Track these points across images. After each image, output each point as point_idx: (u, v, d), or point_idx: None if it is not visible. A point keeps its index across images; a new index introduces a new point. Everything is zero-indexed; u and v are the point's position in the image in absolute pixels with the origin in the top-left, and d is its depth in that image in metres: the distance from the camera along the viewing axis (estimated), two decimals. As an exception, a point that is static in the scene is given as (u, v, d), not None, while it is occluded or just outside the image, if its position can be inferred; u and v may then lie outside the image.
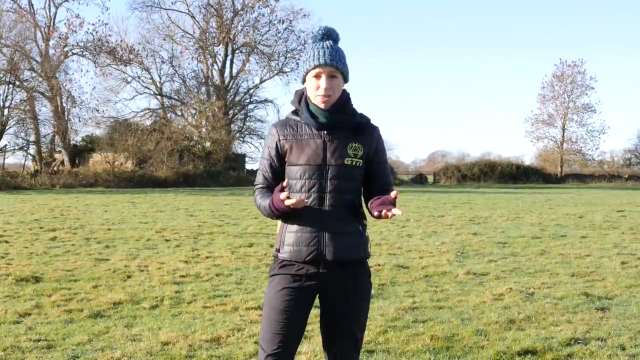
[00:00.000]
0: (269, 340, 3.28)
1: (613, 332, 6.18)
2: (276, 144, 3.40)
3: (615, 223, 17.55)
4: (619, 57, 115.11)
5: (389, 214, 3.17)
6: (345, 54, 3.41)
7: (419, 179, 61.17)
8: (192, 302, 7.37)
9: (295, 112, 3.45)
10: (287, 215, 3.30)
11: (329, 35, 3.38)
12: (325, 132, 3.33)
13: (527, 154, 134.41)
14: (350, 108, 3.41)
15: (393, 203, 3.23)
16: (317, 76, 3.31)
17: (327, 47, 3.32)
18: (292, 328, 3.29)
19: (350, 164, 3.31)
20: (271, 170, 3.42)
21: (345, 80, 3.40)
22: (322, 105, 3.32)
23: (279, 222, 3.44)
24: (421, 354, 5.46)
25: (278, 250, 3.39)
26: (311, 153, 3.31)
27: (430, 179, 64.11)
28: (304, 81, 3.41)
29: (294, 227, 3.32)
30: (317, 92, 3.31)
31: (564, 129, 68.04)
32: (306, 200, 3.24)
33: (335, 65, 3.30)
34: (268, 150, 3.43)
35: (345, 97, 3.39)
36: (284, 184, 3.30)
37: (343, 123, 3.35)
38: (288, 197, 3.18)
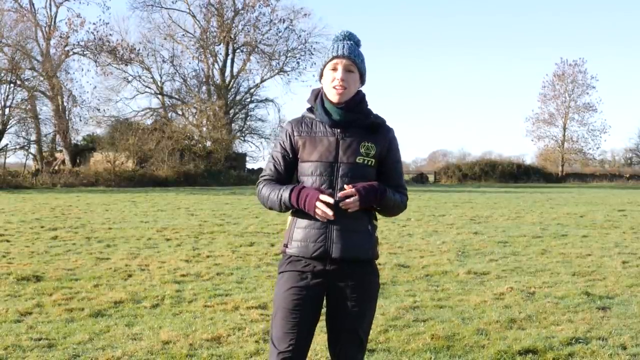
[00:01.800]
0: (281, 339, 3.28)
1: (614, 331, 6.18)
2: (290, 139, 3.42)
3: (616, 222, 17.54)
4: (619, 57, 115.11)
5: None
6: None
7: (420, 178, 61.13)
8: (193, 301, 7.37)
9: (310, 110, 3.47)
10: (297, 211, 3.32)
11: (350, 37, 3.45)
12: (339, 130, 3.35)
13: (528, 153, 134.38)
14: (365, 108, 3.43)
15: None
16: (334, 68, 3.35)
17: (347, 44, 3.39)
18: (302, 327, 3.29)
19: (362, 162, 3.32)
20: (284, 162, 3.43)
21: (362, 80, 3.44)
22: (336, 98, 3.33)
23: (289, 219, 3.44)
24: (422, 353, 5.47)
25: (286, 246, 3.39)
26: (324, 150, 3.32)
27: (431, 178, 64.08)
28: (321, 77, 3.44)
29: (303, 223, 3.33)
30: (332, 83, 3.34)
31: (564, 128, 68.01)
32: (332, 217, 3.21)
33: (353, 59, 3.34)
34: (282, 144, 3.44)
35: (360, 97, 3.42)
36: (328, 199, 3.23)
37: (357, 122, 3.37)
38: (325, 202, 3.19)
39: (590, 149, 68.90)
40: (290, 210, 3.42)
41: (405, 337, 5.92)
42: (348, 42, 3.40)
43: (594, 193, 38.18)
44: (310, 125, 3.41)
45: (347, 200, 3.19)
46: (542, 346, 5.63)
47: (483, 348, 5.64)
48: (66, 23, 49.49)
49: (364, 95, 3.45)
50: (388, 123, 3.48)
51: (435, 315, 6.74)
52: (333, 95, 3.34)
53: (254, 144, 59.25)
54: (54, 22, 50.19)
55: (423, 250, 11.71)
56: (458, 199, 29.78)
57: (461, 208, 23.08)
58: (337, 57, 3.34)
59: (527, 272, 9.43)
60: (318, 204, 3.19)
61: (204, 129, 53.28)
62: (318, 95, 3.44)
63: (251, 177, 47.40)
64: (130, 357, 5.31)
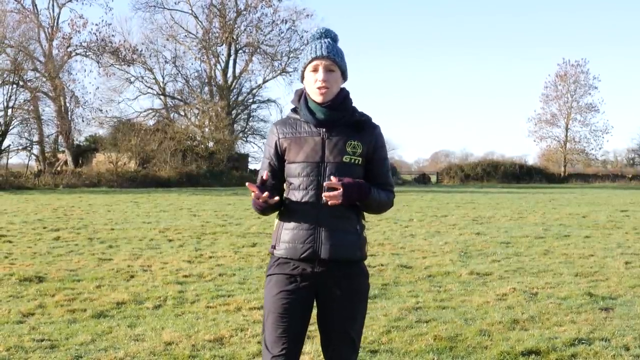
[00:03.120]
0: (274, 343, 3.27)
1: (617, 332, 6.17)
2: (275, 143, 3.40)
3: (619, 223, 17.51)
4: (622, 57, 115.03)
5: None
6: (348, 53, 3.42)
7: (422, 179, 61.09)
8: (195, 302, 7.37)
9: (295, 111, 3.45)
10: (267, 210, 3.33)
11: (327, 34, 3.42)
12: (324, 129, 3.32)
13: (530, 153, 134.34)
14: (350, 106, 3.40)
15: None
16: (315, 69, 3.33)
17: (325, 42, 3.36)
18: (294, 330, 3.28)
19: (348, 161, 3.29)
20: (270, 169, 3.41)
21: (344, 77, 3.41)
22: (319, 99, 3.31)
23: (276, 220, 3.44)
24: (424, 354, 5.46)
25: (274, 247, 3.38)
26: (309, 150, 3.30)
27: (433, 178, 64.04)
28: (302, 78, 3.42)
29: (291, 225, 3.32)
30: (314, 85, 3.31)
31: (567, 129, 67.92)
32: (269, 199, 3.23)
33: (333, 58, 3.31)
34: (268, 149, 3.44)
35: (343, 95, 3.39)
36: (264, 176, 3.29)
37: (342, 120, 3.34)
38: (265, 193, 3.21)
39: (592, 149, 68.83)
40: (277, 212, 3.43)
41: (408, 338, 5.91)
42: (325, 39, 3.37)
43: (596, 193, 38.14)
44: (294, 126, 3.38)
45: (331, 193, 3.17)
46: (545, 347, 5.62)
47: (486, 349, 5.63)
48: (69, 24, 49.51)
49: (347, 92, 3.42)
50: (375, 121, 3.45)
51: (437, 316, 6.73)
52: (316, 96, 3.32)
53: (256, 144, 59.22)
54: (57, 23, 50.24)
55: (425, 251, 11.70)
56: (460, 199, 29.76)
57: (463, 209, 23.06)
58: (316, 57, 3.31)
59: (530, 273, 9.42)
60: (247, 184, 3.25)
61: (206, 129, 53.27)
62: (302, 96, 3.42)
63: (253, 178, 47.22)
64: (133, 358, 5.31)
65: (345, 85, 3.45)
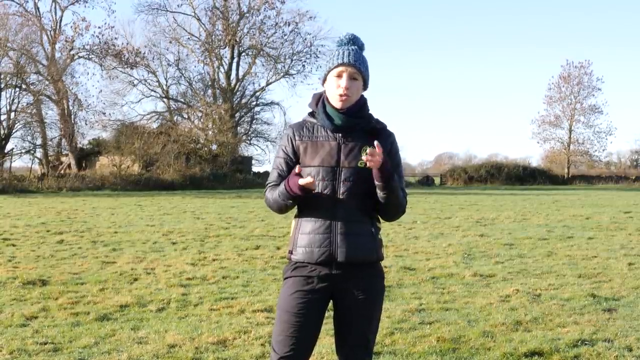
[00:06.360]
0: (281, 343, 3.29)
1: (620, 333, 6.16)
2: (292, 143, 3.42)
3: (622, 224, 17.48)
4: (625, 58, 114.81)
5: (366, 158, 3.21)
6: None
7: (426, 181, 61.08)
8: (199, 304, 7.38)
9: (312, 115, 3.47)
10: (297, 200, 3.31)
11: (355, 41, 3.44)
12: (341, 134, 3.36)
13: (533, 155, 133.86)
14: (367, 113, 3.44)
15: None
16: (339, 75, 3.35)
17: (352, 50, 3.38)
18: (304, 331, 3.30)
19: (363, 166, 3.31)
20: (287, 167, 3.43)
21: (365, 86, 3.45)
22: (339, 105, 3.34)
23: (292, 224, 3.46)
24: (428, 356, 5.46)
25: (291, 252, 3.40)
26: (325, 155, 3.33)
27: (437, 180, 64.03)
28: (324, 82, 3.44)
29: (307, 229, 3.34)
30: (336, 90, 3.34)
31: (570, 130, 67.83)
32: (316, 182, 3.24)
33: (358, 67, 3.35)
34: (284, 149, 3.45)
35: (362, 102, 3.43)
36: (297, 169, 3.27)
37: (358, 126, 3.38)
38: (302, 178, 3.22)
39: (596, 150, 68.72)
40: (294, 214, 3.44)
41: (411, 339, 5.91)
42: (352, 47, 3.40)
43: (599, 195, 38.08)
44: (311, 130, 3.42)
45: (372, 157, 3.18)
46: (548, 348, 5.62)
47: (489, 350, 5.63)
48: (71, 27, 49.62)
49: (365, 100, 3.46)
50: (389, 127, 3.49)
51: (441, 318, 6.73)
52: (336, 102, 3.36)
53: (259, 147, 59.36)
54: (59, 26, 50.33)
55: (429, 252, 11.70)
56: (464, 201, 29.73)
57: (467, 210, 23.05)
58: (342, 64, 3.34)
59: (533, 274, 9.41)
60: (300, 180, 3.20)
61: (210, 132, 53.35)
62: (320, 100, 3.45)
63: (257, 181, 47.41)
64: (136, 360, 5.32)
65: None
